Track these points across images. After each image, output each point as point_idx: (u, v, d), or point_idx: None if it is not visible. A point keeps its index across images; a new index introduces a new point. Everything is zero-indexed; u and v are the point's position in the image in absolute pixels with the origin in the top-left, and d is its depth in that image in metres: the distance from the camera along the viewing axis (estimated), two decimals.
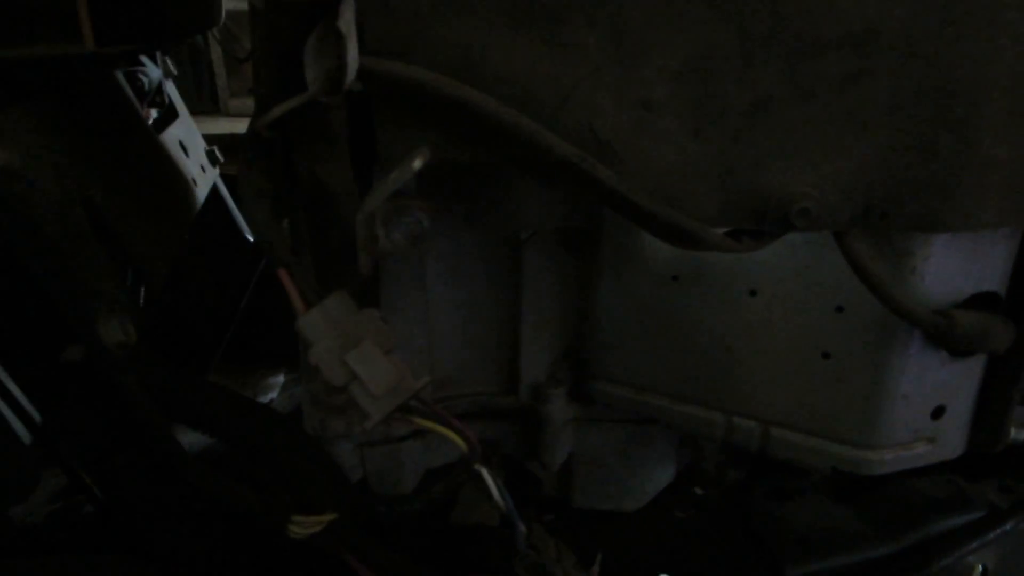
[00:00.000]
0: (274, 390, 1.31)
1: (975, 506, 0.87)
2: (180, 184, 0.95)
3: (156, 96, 1.04)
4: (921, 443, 0.68)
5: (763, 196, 0.55)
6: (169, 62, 1.08)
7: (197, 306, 1.12)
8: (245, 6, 0.53)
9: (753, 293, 0.68)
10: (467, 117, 0.53)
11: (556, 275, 0.77)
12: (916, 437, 0.68)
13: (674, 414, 0.77)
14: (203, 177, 1.10)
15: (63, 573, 0.63)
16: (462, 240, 0.74)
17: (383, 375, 0.53)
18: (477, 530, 0.93)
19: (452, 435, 0.56)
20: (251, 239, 1.23)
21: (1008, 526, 0.82)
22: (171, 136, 1.02)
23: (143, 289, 0.78)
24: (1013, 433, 0.69)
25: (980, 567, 0.81)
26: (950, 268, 0.61)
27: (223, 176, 1.16)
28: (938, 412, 0.67)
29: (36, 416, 0.72)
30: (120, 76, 0.79)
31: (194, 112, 1.10)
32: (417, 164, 0.51)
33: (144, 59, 0.96)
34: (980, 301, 0.63)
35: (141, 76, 0.94)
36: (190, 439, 0.73)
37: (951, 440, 0.69)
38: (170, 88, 1.08)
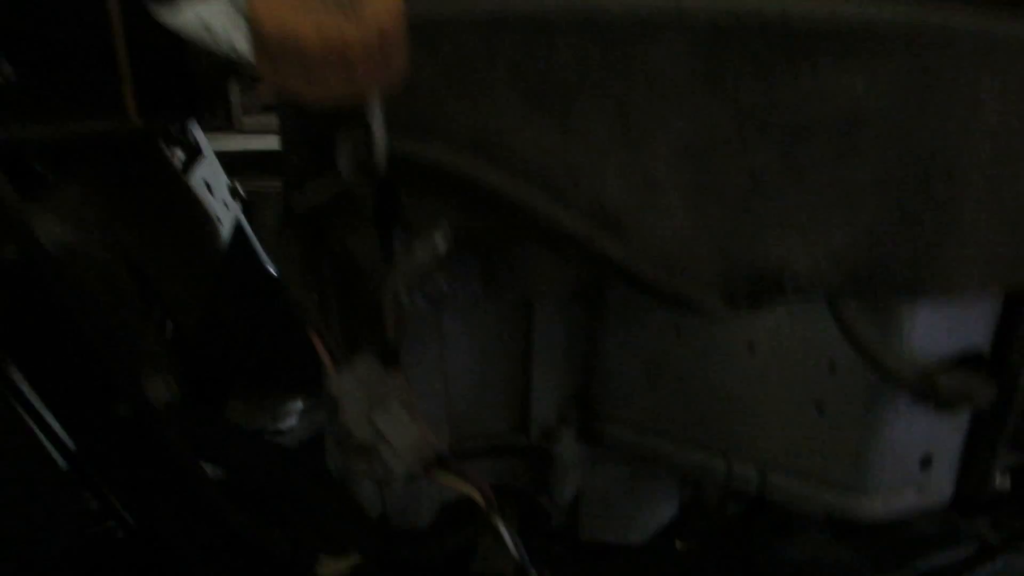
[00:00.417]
0: (293, 416, 1.35)
1: (968, 542, 0.90)
2: (208, 226, 1.00)
3: (181, 136, 1.09)
4: (910, 491, 0.72)
5: (759, 265, 0.59)
6: None
7: (220, 336, 1.16)
8: None
9: (751, 347, 0.72)
10: (484, 193, 0.57)
11: (565, 324, 0.81)
12: (905, 485, 0.72)
13: (677, 457, 0.81)
14: (226, 213, 1.14)
15: None
16: (475, 291, 0.78)
17: (407, 434, 0.58)
18: None
19: (471, 490, 0.60)
20: (273, 272, 1.28)
21: (999, 563, 0.86)
22: (197, 177, 1.07)
23: (177, 331, 0.83)
24: (999, 480, 0.73)
25: None
26: (936, 328, 0.65)
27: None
28: (926, 462, 0.71)
29: (71, 444, 0.77)
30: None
31: (207, 129, 1.13)
32: (441, 244, 0.55)
33: None
34: (965, 359, 0.67)
35: None
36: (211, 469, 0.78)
37: (939, 488, 0.73)
38: (194, 128, 1.13)
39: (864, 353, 0.62)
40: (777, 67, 0.54)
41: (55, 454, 0.73)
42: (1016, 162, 0.57)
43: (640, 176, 0.58)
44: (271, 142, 0.63)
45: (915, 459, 0.71)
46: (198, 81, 0.66)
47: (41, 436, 0.71)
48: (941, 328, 0.65)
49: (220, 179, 1.17)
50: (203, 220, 0.95)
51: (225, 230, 1.09)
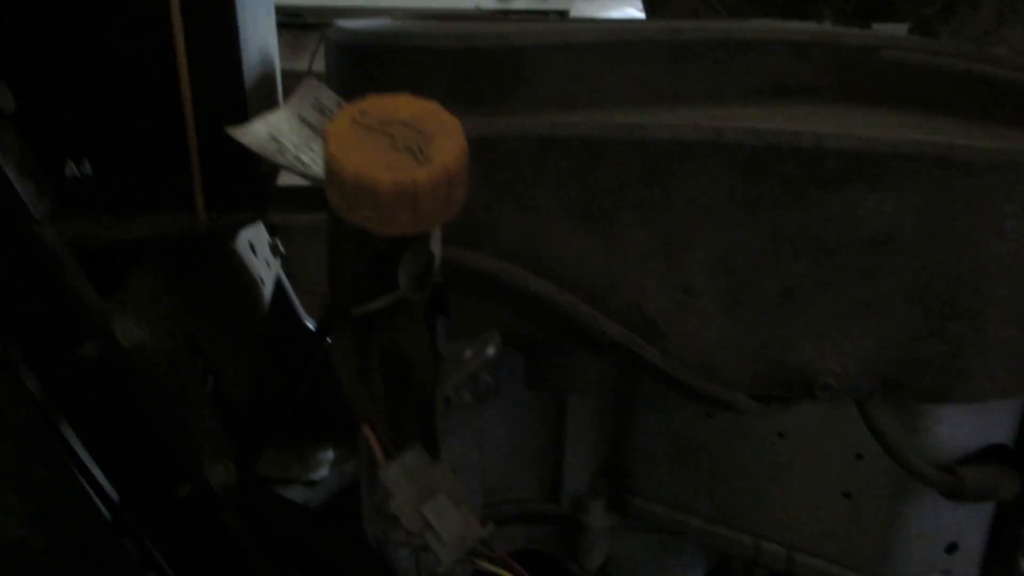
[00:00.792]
0: (324, 466, 1.39)
1: None
2: (253, 291, 1.04)
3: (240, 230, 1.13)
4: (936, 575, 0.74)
5: (791, 370, 0.62)
6: None
7: (260, 393, 1.20)
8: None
9: (781, 435, 0.74)
10: (530, 299, 0.61)
11: (598, 402, 0.84)
12: (931, 570, 0.74)
13: (705, 533, 0.83)
14: (268, 272, 1.18)
15: None
16: (515, 378, 0.82)
17: (454, 525, 0.61)
18: None
19: None
20: (310, 326, 1.32)
21: None
22: (242, 240, 1.11)
23: (223, 396, 0.87)
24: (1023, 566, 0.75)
25: None
26: (961, 427, 0.68)
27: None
28: (951, 548, 0.73)
29: (115, 496, 0.80)
30: None
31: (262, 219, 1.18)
32: (491, 351, 0.59)
33: None
34: (989, 453, 0.69)
35: None
36: None
37: (965, 573, 0.75)
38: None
39: (890, 451, 0.65)
40: (810, 190, 0.58)
41: (99, 504, 0.77)
42: None
43: (678, 285, 0.61)
44: (294, 178, 0.66)
45: (941, 545, 0.73)
46: (261, 181, 0.70)
47: (87, 485, 0.74)
48: (966, 425, 0.68)
49: (262, 236, 1.22)
50: (250, 288, 0.99)
51: (268, 290, 1.13)
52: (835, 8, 1.24)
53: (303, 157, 0.60)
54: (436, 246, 0.55)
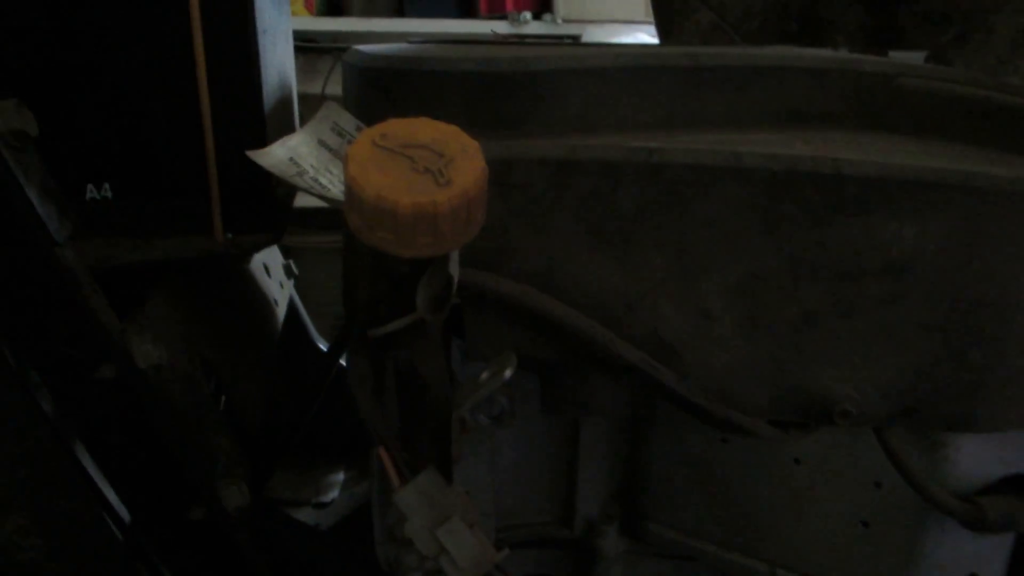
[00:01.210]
0: (335, 488, 1.39)
1: None
2: (267, 312, 1.04)
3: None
4: None
5: (809, 396, 0.62)
6: None
7: (273, 414, 1.20)
8: None
9: (797, 461, 0.74)
10: (547, 323, 0.61)
11: (612, 425, 0.83)
12: None
13: (720, 560, 0.82)
14: (281, 293, 1.19)
15: None
16: (527, 394, 0.81)
17: (469, 549, 0.60)
18: None
19: None
20: (322, 347, 1.33)
21: None
22: (257, 261, 1.12)
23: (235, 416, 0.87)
24: None
25: None
26: (981, 456, 0.67)
27: None
28: None
29: (127, 517, 0.80)
30: None
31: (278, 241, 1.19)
32: (508, 374, 0.58)
33: None
34: (1010, 483, 0.68)
35: None
36: None
37: None
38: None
39: (909, 480, 0.64)
40: (829, 216, 0.57)
41: (112, 526, 0.77)
42: None
43: (695, 309, 0.61)
44: (309, 199, 0.66)
45: (961, 575, 0.72)
46: (277, 203, 0.70)
47: (101, 509, 0.74)
48: (987, 454, 0.67)
49: (276, 257, 1.22)
50: (264, 309, 0.99)
51: (281, 312, 1.13)
52: (849, 35, 1.24)
53: (322, 179, 0.61)
54: (454, 268, 0.55)
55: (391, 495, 0.64)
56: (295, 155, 0.61)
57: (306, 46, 2.68)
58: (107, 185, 0.68)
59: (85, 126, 0.66)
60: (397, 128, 0.52)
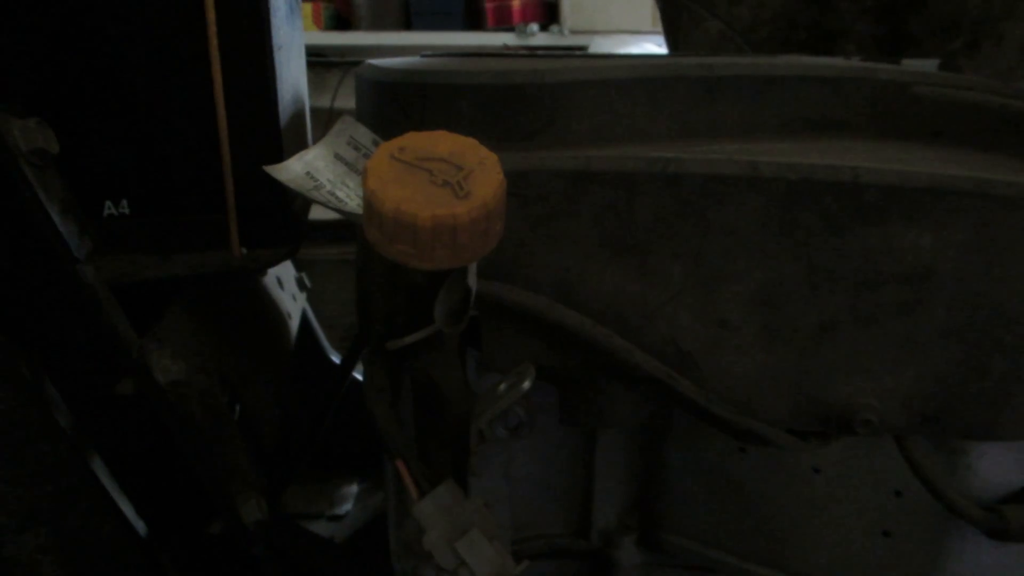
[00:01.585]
0: (348, 501, 1.38)
1: None
2: (281, 326, 1.05)
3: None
4: None
5: (829, 405, 0.61)
6: None
7: (287, 428, 1.20)
8: None
9: (816, 470, 0.73)
10: (564, 334, 0.61)
11: (628, 437, 0.83)
12: None
13: (738, 571, 0.82)
14: (294, 306, 1.19)
15: None
16: (544, 406, 0.81)
17: (488, 562, 0.60)
18: None
19: None
20: (335, 360, 1.33)
21: None
22: (270, 274, 1.12)
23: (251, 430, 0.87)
24: None
25: None
26: (1004, 464, 0.66)
27: None
28: None
29: (145, 533, 0.80)
30: None
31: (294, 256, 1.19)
32: (527, 385, 0.58)
33: None
34: None
35: None
36: None
37: None
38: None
39: (931, 489, 0.64)
40: (848, 224, 0.57)
41: (131, 542, 0.77)
42: None
43: (713, 318, 0.61)
44: (321, 212, 0.66)
45: None
46: (294, 218, 0.71)
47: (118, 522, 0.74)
48: (1009, 463, 0.67)
49: (289, 272, 1.23)
50: (278, 323, 1.00)
51: (294, 325, 1.14)
52: (858, 44, 1.24)
53: (338, 193, 0.61)
54: (472, 280, 0.55)
55: (408, 507, 0.64)
56: (311, 169, 0.62)
57: (315, 60, 2.70)
58: (125, 202, 0.68)
59: (103, 143, 0.67)
60: (415, 141, 0.52)
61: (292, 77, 0.80)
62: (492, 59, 0.72)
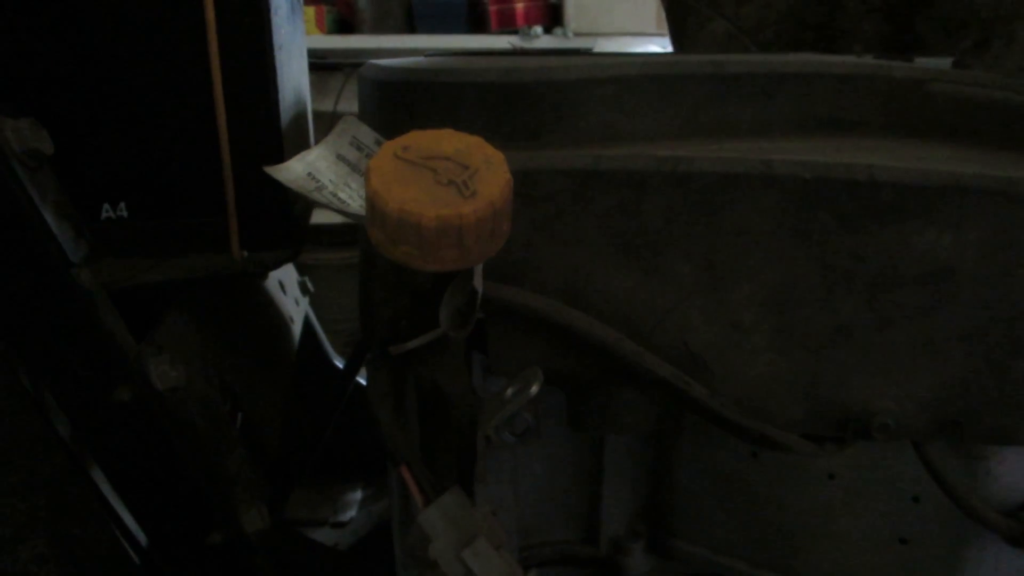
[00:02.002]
0: (352, 507, 1.37)
1: None
2: (283, 330, 1.03)
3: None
4: None
5: (845, 409, 0.60)
6: None
7: (290, 434, 1.18)
8: None
9: (831, 476, 0.72)
10: (573, 336, 0.59)
11: (637, 440, 0.81)
12: None
13: None
14: (297, 311, 1.18)
15: None
16: (552, 411, 0.80)
17: (495, 570, 0.58)
18: None
19: None
20: (339, 365, 1.31)
21: None
22: (272, 279, 1.11)
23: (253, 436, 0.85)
24: None
25: None
26: None
27: None
28: None
29: (143, 540, 0.79)
30: None
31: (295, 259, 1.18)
32: (534, 390, 0.57)
33: None
34: None
35: None
36: None
37: None
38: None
39: (950, 494, 0.62)
40: (864, 224, 0.56)
41: (129, 549, 0.76)
42: None
43: (725, 320, 0.59)
44: (324, 216, 0.65)
45: None
46: (295, 220, 0.69)
47: (116, 531, 0.73)
48: None
49: (291, 275, 1.21)
50: (281, 327, 0.98)
51: (297, 329, 1.12)
52: (866, 43, 1.23)
53: (341, 194, 0.59)
54: (478, 282, 0.53)
55: (413, 515, 0.63)
56: (313, 170, 0.60)
57: (318, 63, 2.69)
58: (123, 204, 0.67)
59: (100, 145, 0.66)
60: (419, 140, 0.51)
61: (293, 78, 0.78)
62: (497, 58, 0.71)
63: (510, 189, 0.48)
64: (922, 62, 0.79)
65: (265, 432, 0.79)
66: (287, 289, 1.16)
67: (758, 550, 0.79)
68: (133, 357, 0.56)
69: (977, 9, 1.12)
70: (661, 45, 2.65)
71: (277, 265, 0.67)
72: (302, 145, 0.82)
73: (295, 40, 0.79)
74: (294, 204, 0.70)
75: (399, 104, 0.63)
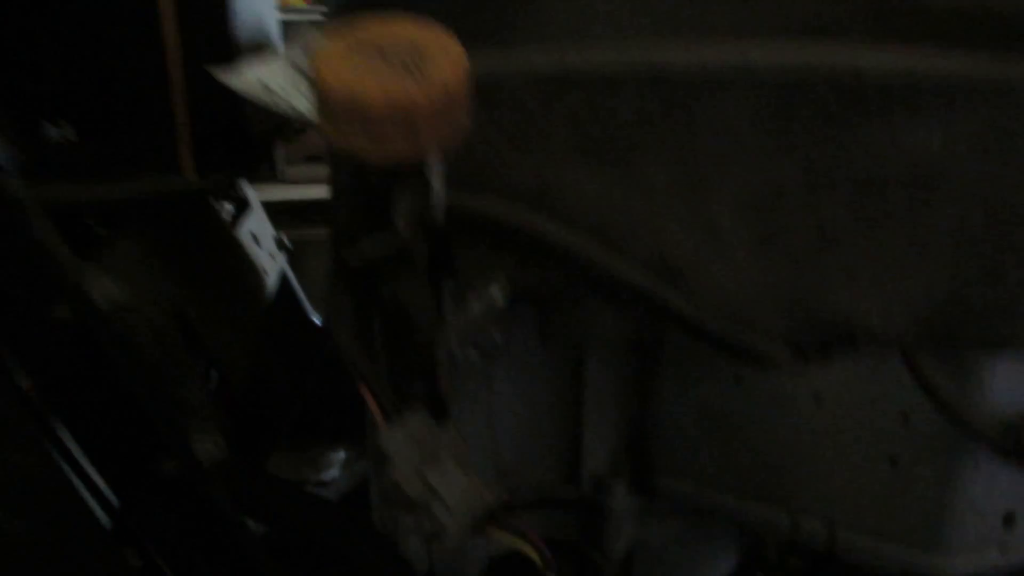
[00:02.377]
0: (335, 467, 1.34)
1: None
2: (254, 279, 1.00)
3: (230, 189, 1.09)
4: (992, 550, 0.68)
5: (829, 317, 0.57)
6: None
7: (265, 389, 1.15)
8: None
9: (817, 398, 0.69)
10: (542, 246, 0.56)
11: (618, 371, 0.79)
12: (986, 544, 0.68)
13: (737, 511, 0.78)
14: (272, 264, 1.14)
15: None
16: (527, 339, 0.77)
17: (461, 491, 0.56)
18: None
19: (528, 549, 0.58)
20: (318, 322, 1.28)
21: None
22: (245, 230, 1.07)
23: (222, 384, 0.82)
24: None
25: None
26: (1017, 380, 0.62)
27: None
28: (1009, 519, 0.67)
29: (115, 501, 0.76)
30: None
31: (252, 181, 1.14)
32: (498, 298, 0.54)
33: None
34: None
35: None
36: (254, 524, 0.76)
37: (1023, 548, 0.69)
38: (242, 181, 1.13)
39: (942, 407, 0.60)
40: (848, 122, 0.53)
41: (98, 510, 0.73)
42: None
43: (703, 227, 0.56)
44: (315, 192, 0.63)
45: (997, 516, 0.67)
46: (251, 140, 0.66)
47: (84, 492, 0.70)
48: (1023, 379, 0.62)
49: (267, 231, 1.18)
50: (250, 273, 0.95)
51: (271, 281, 1.09)
52: None
53: (294, 102, 0.56)
54: (437, 182, 0.50)
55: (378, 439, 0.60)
56: (265, 76, 0.57)
57: (291, 20, 2.63)
58: (67, 123, 0.63)
59: (40, 58, 0.62)
60: (371, 27, 0.47)
61: (255, 4, 0.74)
62: None
63: (467, 75, 0.45)
64: None
65: (231, 372, 0.76)
66: (261, 242, 1.12)
67: (744, 481, 0.77)
68: (72, 274, 0.52)
69: None
70: None
71: (230, 185, 0.63)
72: None
73: None
74: (250, 125, 0.66)
75: (361, 5, 0.59)
